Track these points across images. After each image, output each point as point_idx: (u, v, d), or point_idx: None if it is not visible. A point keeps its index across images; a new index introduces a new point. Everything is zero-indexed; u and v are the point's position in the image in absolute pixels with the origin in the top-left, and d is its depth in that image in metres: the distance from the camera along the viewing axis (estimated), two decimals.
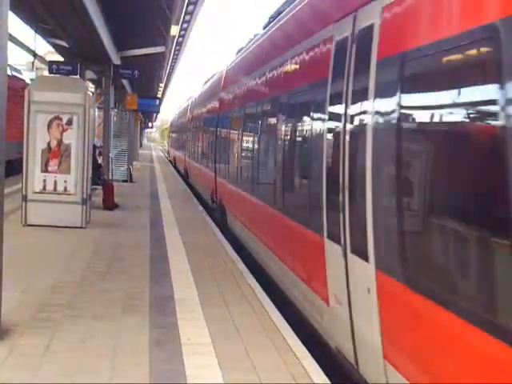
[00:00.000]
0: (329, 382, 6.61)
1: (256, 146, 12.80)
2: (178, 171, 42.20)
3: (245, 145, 14.48)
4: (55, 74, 24.13)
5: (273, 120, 11.37)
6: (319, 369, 6.90)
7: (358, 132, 6.33)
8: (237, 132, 15.73)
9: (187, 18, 26.00)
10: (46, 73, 29.46)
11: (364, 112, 6.16)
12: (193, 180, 30.79)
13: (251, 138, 13.54)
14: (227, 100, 18.28)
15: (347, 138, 6.61)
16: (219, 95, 20.25)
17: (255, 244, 12.57)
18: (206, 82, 30.32)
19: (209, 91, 25.92)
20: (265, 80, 12.13)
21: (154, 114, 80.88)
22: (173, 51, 34.38)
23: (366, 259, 5.98)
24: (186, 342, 7.44)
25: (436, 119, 4.93)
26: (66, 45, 24.12)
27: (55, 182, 15.12)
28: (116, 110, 32.40)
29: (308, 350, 7.49)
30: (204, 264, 11.94)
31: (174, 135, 59.31)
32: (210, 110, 23.28)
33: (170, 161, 59.59)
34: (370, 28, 6.09)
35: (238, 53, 18.62)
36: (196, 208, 21.55)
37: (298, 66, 9.57)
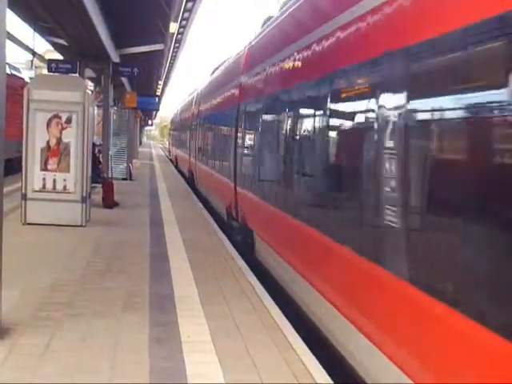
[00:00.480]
0: (330, 379, 6.59)
1: (307, 145, 9.05)
2: (180, 171, 39.07)
3: (286, 143, 10.20)
4: (54, 72, 24.20)
5: (343, 105, 7.68)
6: (320, 366, 6.89)
7: None
8: (272, 125, 11.53)
9: (186, 15, 25.98)
10: (45, 71, 29.40)
11: None
12: (201, 186, 25.43)
13: (298, 134, 9.55)
14: (253, 85, 13.66)
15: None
16: (239, 81, 15.67)
17: (307, 293, 8.61)
18: (215, 70, 26.27)
19: (222, 79, 21.10)
20: (325, 47, 8.10)
21: (154, 112, 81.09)
22: (172, 48, 34.36)
23: None
24: (187, 339, 7.42)
25: None
26: (65, 43, 24.12)
27: (54, 181, 15.08)
28: (115, 108, 32.37)
29: (309, 347, 7.48)
30: (204, 262, 11.91)
31: (175, 133, 53.85)
32: (226, 101, 18.45)
33: (170, 160, 56.55)
34: None
35: (264, 24, 14.28)
36: (196, 206, 21.52)
37: (397, 15, 5.88)
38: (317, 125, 8.45)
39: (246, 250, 13.36)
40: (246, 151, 14.15)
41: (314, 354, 7.26)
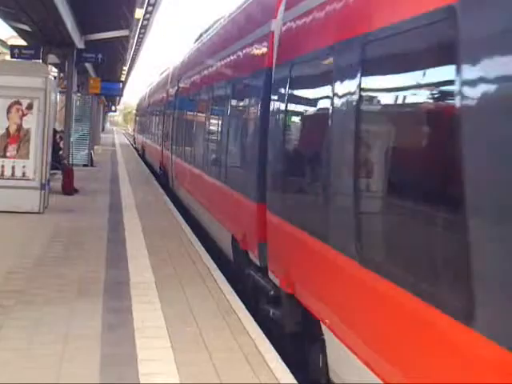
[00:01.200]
0: (281, 360, 6.63)
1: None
2: (146, 163, 35.04)
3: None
4: (17, 58, 23.91)
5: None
6: (272, 348, 6.96)
7: None
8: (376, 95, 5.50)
9: (152, 1, 25.83)
10: (8, 57, 29.08)
11: None
12: (182, 192, 18.71)
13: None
14: (312, 25, 7.08)
15: None
16: (270, 29, 8.88)
17: None
18: (202, 34, 19.06)
19: (224, 36, 14.28)
20: None
21: (118, 98, 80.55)
22: (137, 35, 34.13)
23: None
24: (140, 325, 7.42)
25: None
26: (29, 29, 23.84)
27: (13, 168, 15.01)
28: (79, 94, 32.12)
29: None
30: (162, 247, 11.92)
31: (142, 119, 45.90)
32: (234, 67, 11.91)
33: (135, 149, 52.07)
34: None
35: None
36: (156, 191, 21.51)
37: None
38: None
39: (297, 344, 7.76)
40: (296, 147, 7.91)
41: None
